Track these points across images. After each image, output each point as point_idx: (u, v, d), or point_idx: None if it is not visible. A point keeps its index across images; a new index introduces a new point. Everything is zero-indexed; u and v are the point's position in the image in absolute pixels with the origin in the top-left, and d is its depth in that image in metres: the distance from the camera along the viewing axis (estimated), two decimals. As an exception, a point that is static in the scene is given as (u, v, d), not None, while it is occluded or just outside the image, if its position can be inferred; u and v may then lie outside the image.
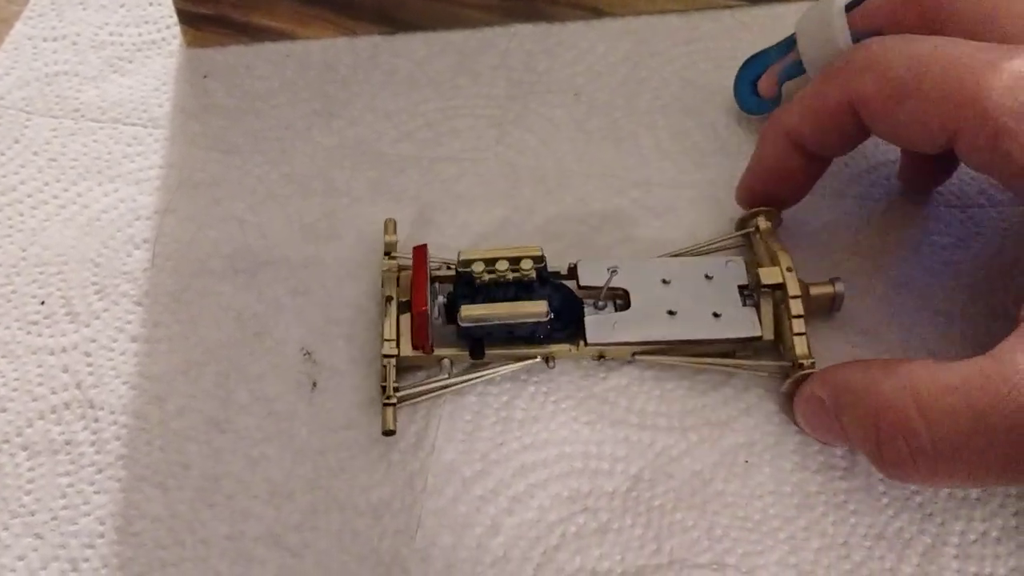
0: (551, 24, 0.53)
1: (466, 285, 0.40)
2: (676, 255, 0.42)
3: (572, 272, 0.41)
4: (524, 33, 0.52)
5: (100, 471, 0.39)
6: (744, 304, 0.40)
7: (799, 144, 0.39)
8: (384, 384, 0.38)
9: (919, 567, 0.36)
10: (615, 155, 0.48)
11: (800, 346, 0.38)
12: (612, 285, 0.40)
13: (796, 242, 0.43)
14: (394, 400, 0.38)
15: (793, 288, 0.39)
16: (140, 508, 0.38)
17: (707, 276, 0.40)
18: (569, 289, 0.40)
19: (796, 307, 0.38)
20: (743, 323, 0.39)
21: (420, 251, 0.40)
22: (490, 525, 0.37)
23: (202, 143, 0.48)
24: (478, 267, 0.39)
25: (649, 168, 0.47)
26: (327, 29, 0.52)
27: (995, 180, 0.35)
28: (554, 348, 0.40)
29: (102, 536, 0.37)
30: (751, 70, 0.47)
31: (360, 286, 0.43)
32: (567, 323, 0.39)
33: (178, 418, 0.40)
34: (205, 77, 0.51)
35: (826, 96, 0.37)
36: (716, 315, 0.39)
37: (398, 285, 0.40)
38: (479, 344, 0.39)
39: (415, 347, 0.39)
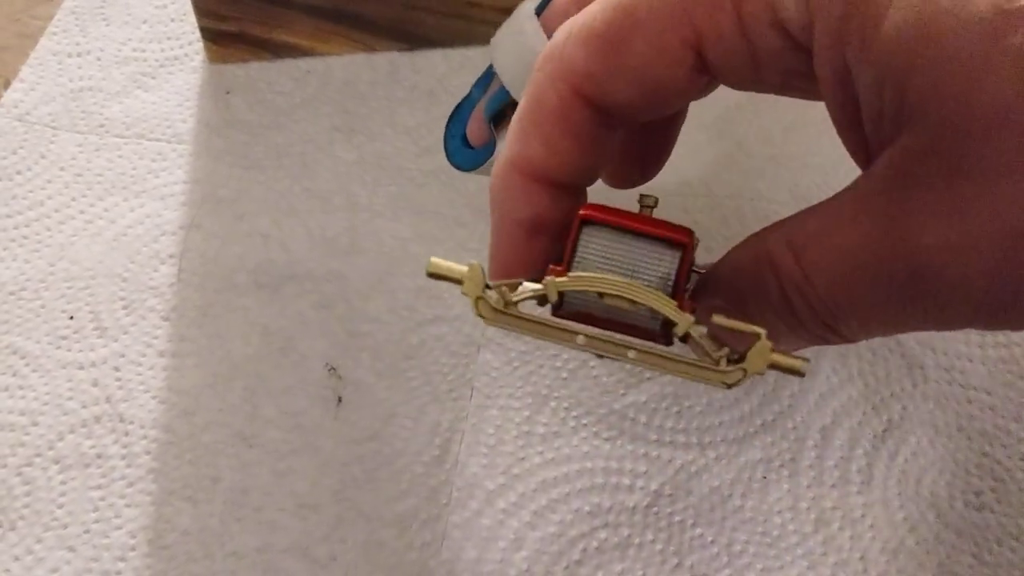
0: (568, 40, 0.53)
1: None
2: None
3: None
4: (542, 49, 0.53)
5: (131, 484, 0.39)
6: None
7: (544, 176, 0.29)
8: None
9: (935, 581, 0.37)
10: (632, 171, 0.48)
11: None
12: None
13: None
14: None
15: None
16: (171, 521, 0.39)
17: None
18: None
19: None
20: None
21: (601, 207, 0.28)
22: (513, 539, 0.38)
23: (225, 159, 0.49)
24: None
25: (663, 177, 0.48)
26: (347, 45, 0.53)
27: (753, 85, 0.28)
28: None
29: (133, 549, 0.38)
30: (458, 123, 0.41)
31: (382, 300, 0.44)
32: None
33: (206, 432, 0.41)
34: (228, 93, 0.52)
35: (542, 96, 0.28)
36: None
37: None
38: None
39: (685, 307, 0.26)
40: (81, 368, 0.42)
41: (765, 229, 0.27)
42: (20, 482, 0.39)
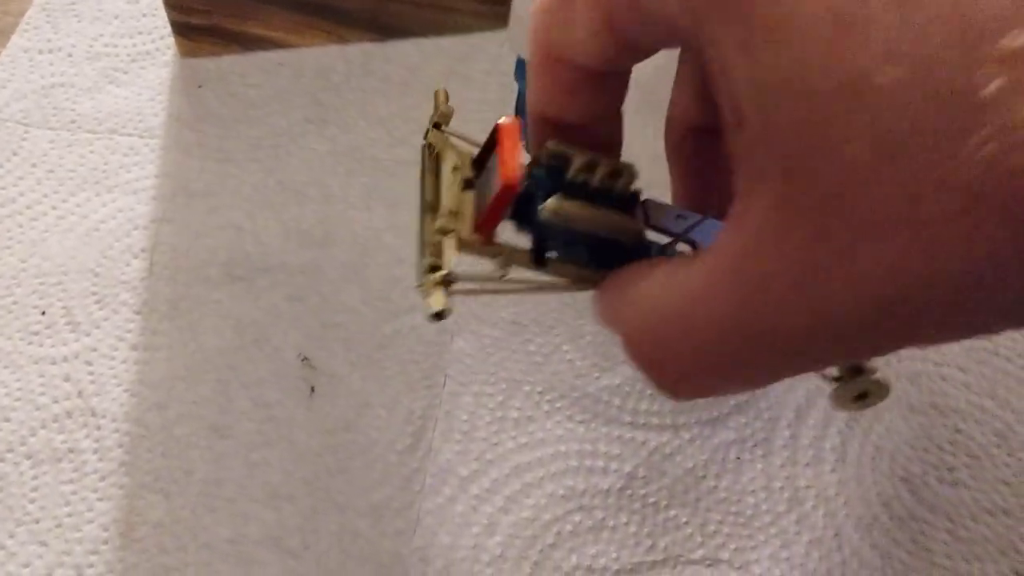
0: (541, 28, 0.53)
1: (553, 178, 0.30)
2: None
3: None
4: (514, 37, 0.53)
5: (103, 478, 0.39)
6: None
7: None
8: (434, 264, 0.29)
9: (910, 556, 0.37)
10: (606, 157, 0.48)
11: None
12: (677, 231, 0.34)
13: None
14: (451, 279, 0.29)
15: None
16: (143, 514, 0.38)
17: None
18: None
19: None
20: None
21: (511, 128, 0.29)
22: (487, 524, 0.38)
23: (197, 152, 0.49)
24: (578, 161, 0.30)
25: (643, 172, 0.48)
26: (319, 37, 0.53)
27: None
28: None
29: (106, 542, 0.38)
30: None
31: (356, 291, 0.44)
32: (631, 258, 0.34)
33: (179, 424, 0.41)
34: (199, 87, 0.51)
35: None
36: None
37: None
38: (543, 249, 0.31)
39: (477, 229, 0.30)
40: (53, 363, 0.42)
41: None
42: (-9, 478, 0.39)
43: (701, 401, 0.40)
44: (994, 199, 0.19)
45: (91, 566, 0.37)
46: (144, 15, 0.54)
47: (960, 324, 0.22)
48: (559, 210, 0.28)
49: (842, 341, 0.22)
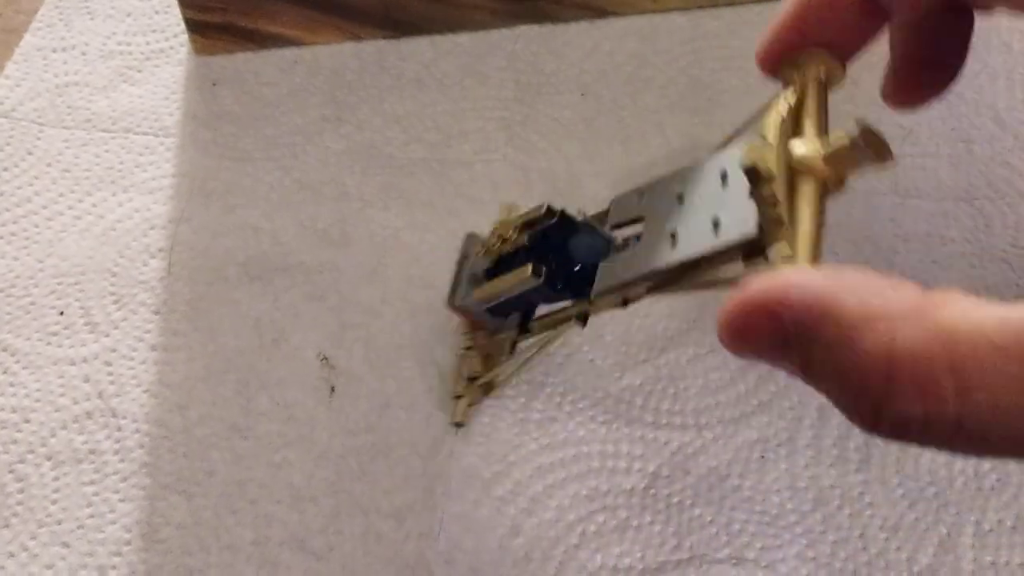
0: (556, 25, 0.53)
1: (498, 262, 0.39)
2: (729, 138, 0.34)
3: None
4: (530, 34, 0.53)
5: (124, 479, 0.39)
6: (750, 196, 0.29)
7: None
8: (471, 375, 0.41)
9: (936, 557, 0.37)
10: (623, 154, 0.48)
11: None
12: (636, 215, 0.35)
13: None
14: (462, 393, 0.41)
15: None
16: (165, 515, 0.38)
17: (723, 176, 0.32)
18: (594, 235, 0.36)
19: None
20: (739, 222, 0.30)
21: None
22: (511, 526, 0.38)
23: (213, 151, 0.49)
24: (491, 240, 0.39)
25: (658, 167, 0.48)
26: (333, 34, 0.53)
27: None
28: (575, 308, 0.36)
29: (128, 544, 0.38)
30: None
31: (374, 290, 0.44)
32: (583, 276, 0.35)
33: (200, 425, 0.40)
34: (214, 85, 0.51)
35: None
36: (716, 224, 0.31)
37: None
38: (525, 318, 0.38)
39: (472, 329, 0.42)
40: (72, 364, 0.42)
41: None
42: (13, 479, 0.39)
43: (724, 400, 0.40)
44: None
45: (114, 567, 0.37)
46: (157, 12, 0.54)
47: None
48: (471, 297, 0.39)
49: None
